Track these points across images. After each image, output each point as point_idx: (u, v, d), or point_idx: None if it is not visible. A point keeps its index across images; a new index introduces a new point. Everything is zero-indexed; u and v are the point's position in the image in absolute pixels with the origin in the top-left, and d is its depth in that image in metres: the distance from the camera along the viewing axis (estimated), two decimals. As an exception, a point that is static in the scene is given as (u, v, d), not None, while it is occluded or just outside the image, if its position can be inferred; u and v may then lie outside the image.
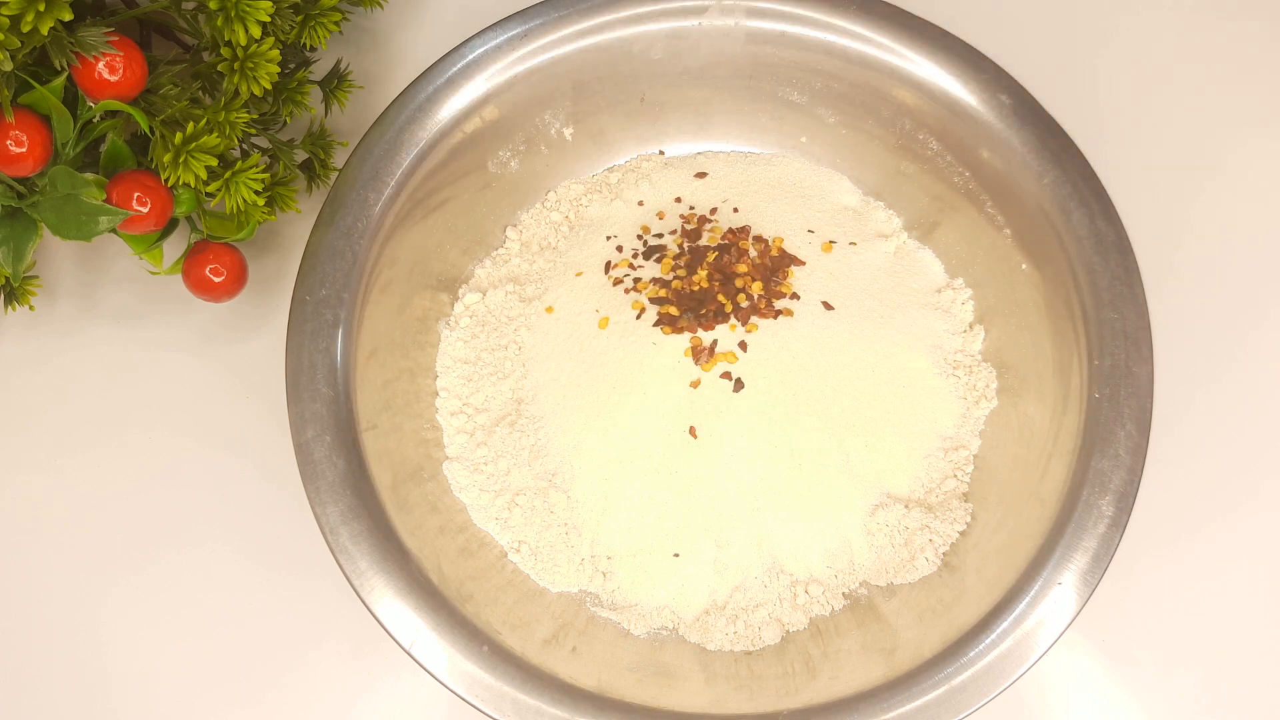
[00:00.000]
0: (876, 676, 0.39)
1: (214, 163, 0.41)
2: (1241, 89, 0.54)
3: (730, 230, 0.47)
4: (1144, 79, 0.54)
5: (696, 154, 0.51)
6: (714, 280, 0.45)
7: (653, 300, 0.45)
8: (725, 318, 0.44)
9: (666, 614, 0.43)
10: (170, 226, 0.43)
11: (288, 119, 0.46)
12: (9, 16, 0.35)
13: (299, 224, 0.51)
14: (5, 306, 0.46)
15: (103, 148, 0.42)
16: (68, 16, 0.36)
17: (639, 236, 0.48)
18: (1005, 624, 0.39)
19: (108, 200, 0.40)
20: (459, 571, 0.42)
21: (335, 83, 0.49)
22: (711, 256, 0.46)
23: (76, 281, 0.51)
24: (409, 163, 0.45)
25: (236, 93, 0.41)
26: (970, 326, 0.47)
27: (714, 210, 0.48)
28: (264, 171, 0.43)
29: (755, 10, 0.47)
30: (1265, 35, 0.54)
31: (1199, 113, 0.53)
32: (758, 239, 0.47)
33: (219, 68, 0.41)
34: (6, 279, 0.45)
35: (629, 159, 0.51)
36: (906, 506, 0.44)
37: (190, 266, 0.44)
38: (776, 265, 0.46)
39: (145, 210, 0.40)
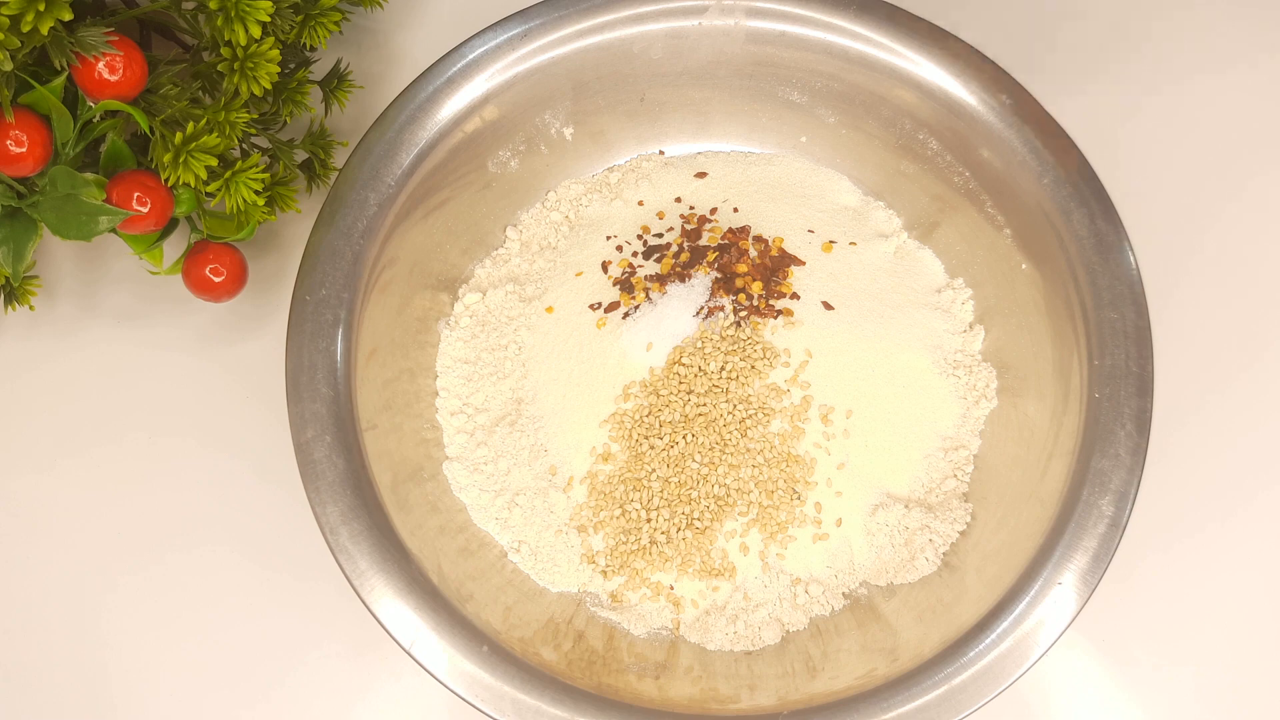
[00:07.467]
0: (876, 676, 0.39)
1: (214, 163, 0.40)
2: (1243, 87, 0.53)
3: (730, 230, 0.47)
4: (1144, 78, 0.54)
5: (696, 154, 0.51)
6: (714, 280, 0.45)
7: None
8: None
9: (666, 614, 0.43)
10: (170, 226, 0.43)
11: (288, 119, 0.46)
12: (9, 16, 0.35)
13: (299, 224, 0.51)
14: (5, 306, 0.46)
15: (103, 148, 0.42)
16: (68, 16, 0.36)
17: (639, 236, 0.48)
18: (1005, 624, 0.39)
19: (108, 200, 0.40)
20: (459, 571, 0.42)
21: (335, 83, 0.49)
22: (711, 256, 0.46)
23: (76, 281, 0.51)
24: (409, 163, 0.45)
25: (236, 93, 0.41)
26: (970, 326, 0.47)
27: (714, 210, 0.48)
28: (264, 171, 0.43)
29: (755, 10, 0.47)
30: (1269, 32, 0.54)
31: (1199, 111, 0.53)
32: (758, 239, 0.47)
33: (219, 68, 0.41)
34: (6, 279, 0.45)
35: (629, 159, 0.51)
36: (906, 506, 0.44)
37: (190, 266, 0.44)
38: (776, 265, 0.46)
39: (145, 210, 0.40)
